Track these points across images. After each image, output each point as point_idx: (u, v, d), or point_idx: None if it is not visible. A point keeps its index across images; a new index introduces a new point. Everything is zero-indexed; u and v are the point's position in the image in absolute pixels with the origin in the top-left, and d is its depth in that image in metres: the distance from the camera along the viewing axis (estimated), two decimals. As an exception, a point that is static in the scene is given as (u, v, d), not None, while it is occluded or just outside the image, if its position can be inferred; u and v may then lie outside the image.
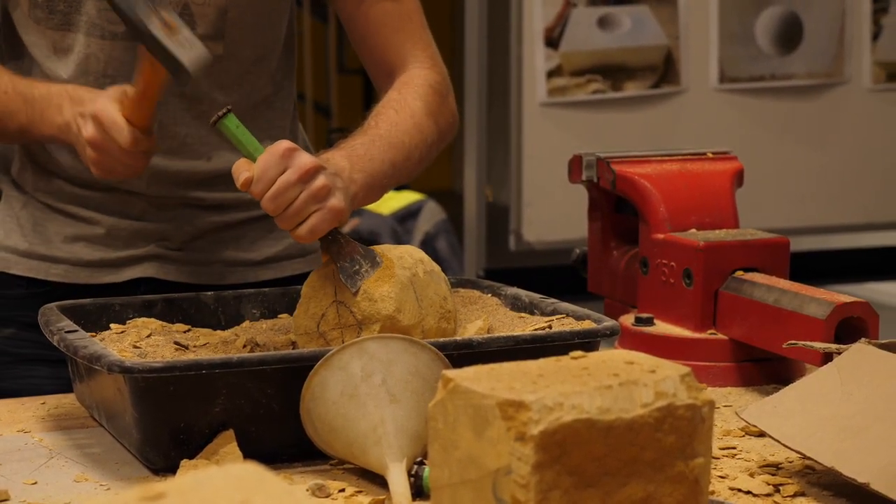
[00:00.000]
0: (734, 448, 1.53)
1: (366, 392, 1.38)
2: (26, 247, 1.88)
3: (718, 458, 1.49)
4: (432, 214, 4.25)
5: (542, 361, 1.17)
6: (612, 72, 3.82)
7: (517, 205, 3.76)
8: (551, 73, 3.75)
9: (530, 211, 3.73)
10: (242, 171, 1.54)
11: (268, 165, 1.53)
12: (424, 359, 1.40)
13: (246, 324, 1.75)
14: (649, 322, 1.86)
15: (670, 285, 1.86)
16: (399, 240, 4.19)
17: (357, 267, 1.57)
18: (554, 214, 3.73)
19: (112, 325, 1.67)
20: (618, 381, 1.12)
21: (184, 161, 1.84)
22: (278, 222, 1.56)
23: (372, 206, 4.35)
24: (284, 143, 1.55)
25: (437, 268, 1.64)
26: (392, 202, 4.36)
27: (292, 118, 1.96)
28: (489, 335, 1.54)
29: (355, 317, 1.57)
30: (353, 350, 1.39)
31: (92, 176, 1.71)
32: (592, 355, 1.18)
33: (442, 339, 1.51)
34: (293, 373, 1.42)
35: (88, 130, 1.63)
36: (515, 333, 1.56)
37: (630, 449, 1.10)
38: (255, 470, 0.85)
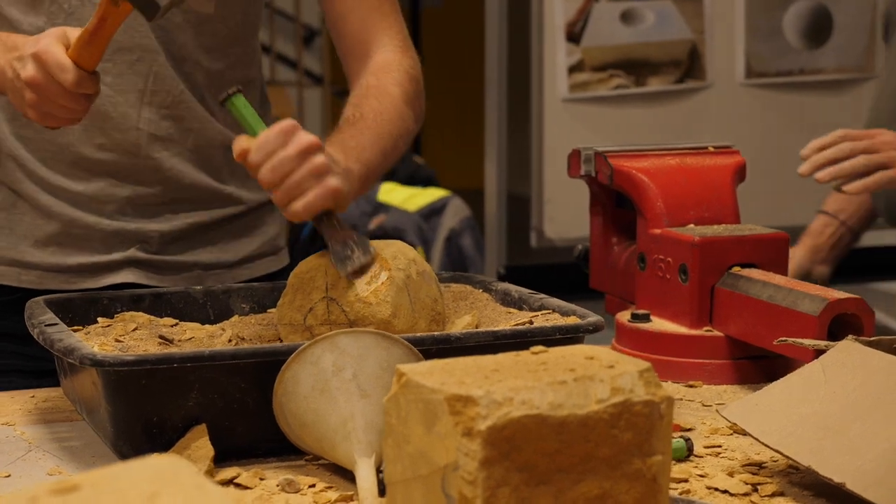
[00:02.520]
0: (719, 447, 1.50)
1: (336, 387, 1.37)
2: None
3: (702, 457, 1.47)
4: (457, 211, 4.23)
5: (500, 356, 1.15)
6: (635, 67, 3.78)
7: (538, 201, 3.73)
8: (573, 69, 3.72)
9: (551, 207, 3.70)
10: (241, 142, 1.53)
11: (268, 138, 1.52)
12: (397, 353, 1.39)
13: (235, 318, 1.74)
14: (645, 319, 1.84)
15: (666, 281, 1.83)
16: (424, 237, 4.18)
17: (349, 252, 1.56)
18: (575, 211, 3.69)
19: (99, 319, 1.66)
20: (573, 376, 1.09)
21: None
22: (275, 196, 1.54)
23: (397, 203, 4.34)
24: (288, 121, 1.55)
25: (428, 268, 1.62)
26: (417, 199, 4.35)
27: (261, 104, 1.96)
28: (468, 330, 1.52)
29: (347, 316, 1.55)
30: (324, 344, 1.38)
31: (61, 159, 1.71)
32: (553, 350, 1.16)
33: (420, 335, 1.50)
34: (267, 367, 1.40)
35: (28, 70, 1.58)
36: (495, 329, 1.54)
37: (584, 445, 1.08)
38: (174, 463, 0.83)
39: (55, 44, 1.58)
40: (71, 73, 1.57)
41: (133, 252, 1.84)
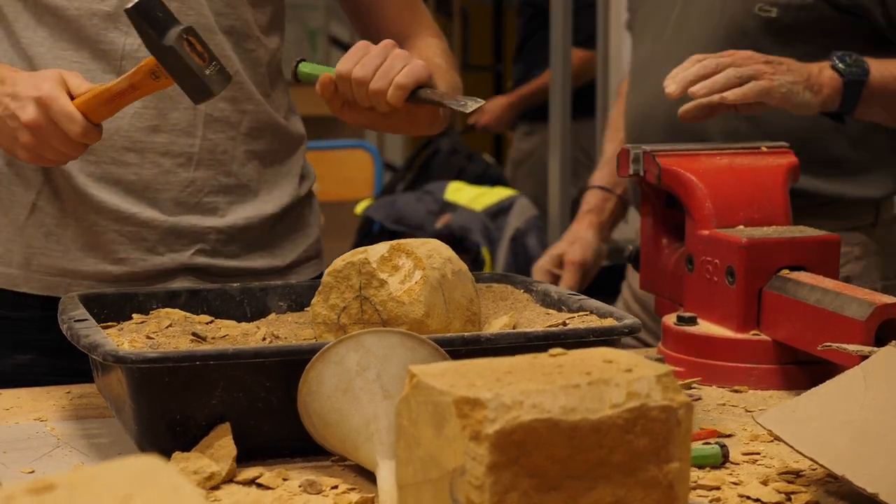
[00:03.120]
0: (758, 454, 1.46)
1: (360, 387, 1.34)
2: (40, 260, 1.79)
3: (738, 464, 1.43)
4: (523, 211, 4.19)
5: (517, 358, 1.12)
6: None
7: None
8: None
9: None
10: (324, 76, 1.65)
11: (348, 54, 1.64)
12: (422, 354, 1.36)
13: (272, 316, 1.72)
14: (692, 321, 1.80)
15: (714, 283, 1.79)
16: (490, 236, 4.14)
17: (462, 101, 1.68)
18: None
19: (134, 316, 1.65)
20: (588, 379, 1.06)
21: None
22: (372, 86, 1.63)
23: (464, 202, 4.31)
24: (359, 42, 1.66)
25: (464, 267, 1.59)
26: (484, 198, 4.32)
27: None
28: (498, 332, 1.49)
29: (380, 316, 1.53)
30: (349, 344, 1.36)
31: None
32: (572, 353, 1.13)
33: (449, 335, 1.47)
34: (292, 366, 1.38)
35: (29, 114, 1.58)
36: (527, 330, 1.50)
37: (597, 451, 1.05)
38: (153, 464, 0.81)
39: (59, 90, 1.57)
40: (79, 126, 1.57)
41: (190, 257, 1.81)
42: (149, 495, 0.77)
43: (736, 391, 1.72)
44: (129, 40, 1.73)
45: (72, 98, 1.59)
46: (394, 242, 1.58)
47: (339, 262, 1.57)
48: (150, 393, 1.37)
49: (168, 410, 1.38)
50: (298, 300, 1.74)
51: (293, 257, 1.92)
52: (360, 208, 4.71)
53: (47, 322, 1.71)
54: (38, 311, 1.80)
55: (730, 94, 1.89)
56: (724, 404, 1.65)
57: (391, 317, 1.52)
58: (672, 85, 1.90)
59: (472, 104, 1.68)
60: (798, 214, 1.87)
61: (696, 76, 1.90)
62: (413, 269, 1.55)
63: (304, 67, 1.71)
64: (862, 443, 1.29)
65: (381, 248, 1.57)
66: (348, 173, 4.75)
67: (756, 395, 1.70)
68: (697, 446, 1.44)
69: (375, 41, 1.82)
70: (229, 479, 1.35)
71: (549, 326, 1.54)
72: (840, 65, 1.99)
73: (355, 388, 1.34)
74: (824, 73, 1.98)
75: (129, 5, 1.55)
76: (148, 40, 1.56)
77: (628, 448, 1.06)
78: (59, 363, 1.76)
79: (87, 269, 1.79)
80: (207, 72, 1.57)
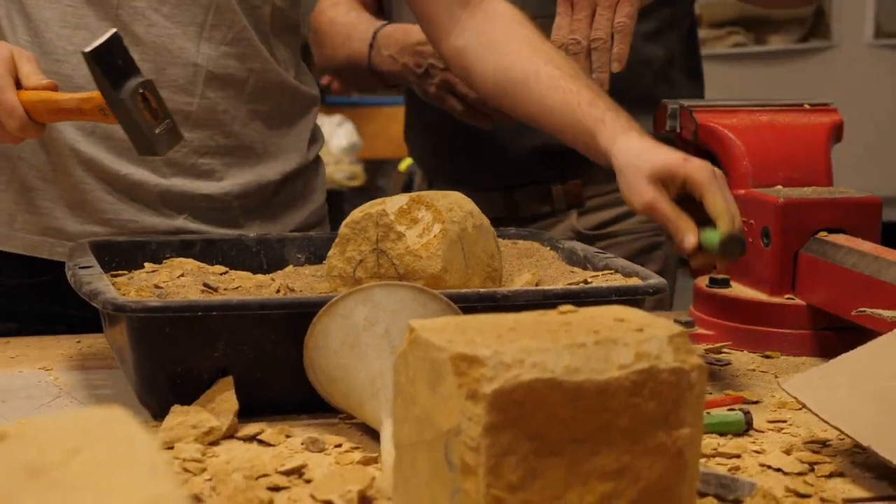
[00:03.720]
0: (784, 422, 1.40)
1: (367, 342, 1.29)
2: (24, 217, 1.71)
3: (763, 432, 1.36)
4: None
5: (523, 315, 1.06)
6: (756, 24, 3.62)
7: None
8: (689, 25, 3.58)
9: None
10: None
11: None
12: (434, 309, 1.31)
13: (289, 268, 1.67)
14: (725, 284, 1.73)
15: (749, 245, 1.72)
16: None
17: None
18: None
19: (146, 265, 1.60)
20: (595, 338, 1.00)
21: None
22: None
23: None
24: None
25: (486, 221, 1.54)
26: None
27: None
28: (516, 288, 1.43)
29: (397, 270, 1.47)
30: (357, 297, 1.30)
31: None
32: (583, 310, 1.07)
33: (464, 290, 1.41)
34: (298, 318, 1.33)
35: None
36: (545, 287, 1.44)
37: (603, 414, 0.99)
38: (111, 416, 0.76)
39: (7, 78, 1.48)
40: (17, 121, 1.48)
41: (181, 222, 1.73)
42: (98, 448, 0.72)
43: (767, 356, 1.65)
44: (137, 2, 1.66)
45: (20, 86, 1.50)
46: (413, 194, 1.52)
47: (356, 214, 1.51)
48: (150, 343, 1.32)
49: (169, 362, 1.33)
50: (317, 252, 1.69)
51: (293, 225, 1.84)
52: (403, 166, 4.65)
53: (30, 291, 1.68)
54: (18, 280, 1.73)
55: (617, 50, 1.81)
56: (753, 370, 1.59)
57: (408, 271, 1.47)
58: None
59: None
60: None
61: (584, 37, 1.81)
62: (432, 221, 1.49)
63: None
64: (891, 413, 1.22)
65: (400, 200, 1.51)
66: (392, 131, 4.68)
67: (788, 362, 1.64)
68: (721, 412, 1.38)
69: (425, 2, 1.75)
70: (230, 435, 1.31)
71: (570, 284, 1.48)
72: None
73: (362, 344, 1.29)
74: None
75: (88, 49, 1.45)
76: (101, 86, 1.46)
77: (635, 412, 1.00)
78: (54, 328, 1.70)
79: (73, 230, 1.70)
80: (157, 130, 1.47)
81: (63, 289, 1.50)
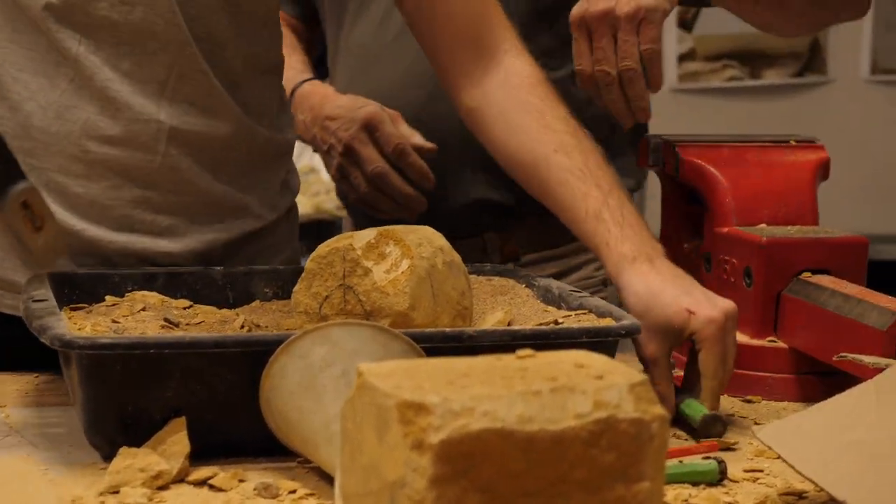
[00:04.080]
0: (761, 471, 1.34)
1: (323, 384, 1.24)
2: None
3: (738, 482, 1.31)
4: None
5: (479, 359, 1.01)
6: (751, 58, 3.58)
7: (641, 196, 3.55)
8: (683, 58, 3.53)
9: (654, 203, 3.54)
10: None
11: None
12: (395, 350, 1.25)
13: (256, 303, 1.62)
14: (706, 324, 1.68)
15: (731, 285, 1.67)
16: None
17: None
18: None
19: (107, 298, 1.55)
20: (551, 385, 0.95)
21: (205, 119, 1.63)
22: None
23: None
24: None
25: (457, 258, 1.48)
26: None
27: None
28: (483, 328, 1.38)
29: (364, 307, 1.42)
30: (315, 336, 1.25)
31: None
32: (541, 355, 1.02)
33: (429, 330, 1.36)
34: (254, 357, 1.28)
35: None
36: (514, 328, 1.39)
37: (557, 466, 0.94)
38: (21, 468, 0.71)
39: None
40: None
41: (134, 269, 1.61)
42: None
43: (748, 401, 1.60)
44: (83, 41, 1.55)
45: None
46: (382, 228, 1.47)
47: (323, 248, 1.47)
48: (99, 381, 1.27)
49: (119, 401, 1.28)
50: (285, 286, 1.63)
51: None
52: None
53: None
54: None
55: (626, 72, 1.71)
56: (733, 415, 1.53)
57: (374, 308, 1.42)
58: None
59: None
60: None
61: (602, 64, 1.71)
62: (400, 257, 1.44)
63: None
64: (868, 466, 1.17)
65: (367, 234, 1.46)
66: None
67: (769, 406, 1.59)
68: (694, 460, 1.32)
69: (443, 39, 1.66)
70: (181, 479, 1.25)
71: (540, 325, 1.43)
72: None
73: (318, 385, 1.24)
74: None
75: None
76: None
77: (593, 464, 0.95)
78: None
79: (22, 280, 1.56)
80: (40, 242, 1.36)
81: (15, 336, 1.45)
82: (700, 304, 1.47)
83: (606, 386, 0.96)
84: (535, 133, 1.59)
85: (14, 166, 1.35)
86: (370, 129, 1.94)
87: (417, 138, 1.95)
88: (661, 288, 1.47)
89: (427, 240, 1.46)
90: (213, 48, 1.61)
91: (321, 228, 4.14)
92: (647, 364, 1.48)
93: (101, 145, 1.57)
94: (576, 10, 1.70)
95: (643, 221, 1.55)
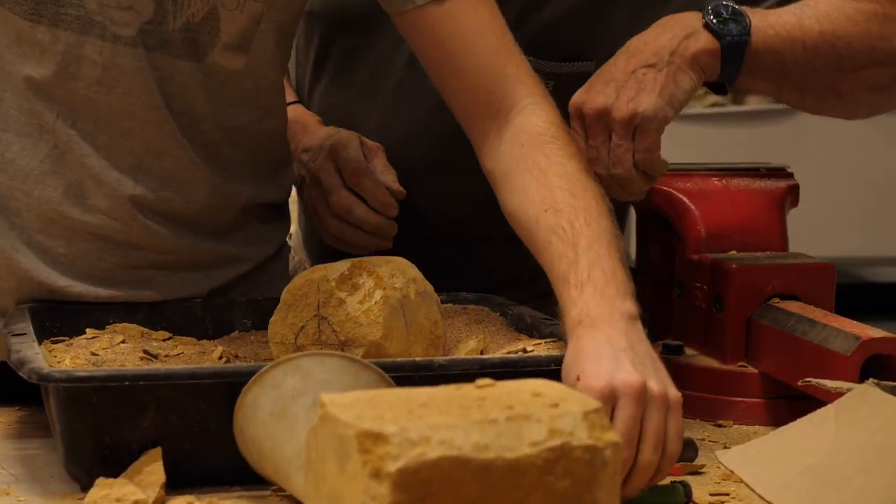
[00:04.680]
0: (727, 494, 1.37)
1: (295, 413, 1.27)
2: None
3: (702, 505, 1.34)
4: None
5: (439, 389, 1.04)
6: (733, 84, 3.62)
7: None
8: (665, 85, 3.57)
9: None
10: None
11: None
12: (365, 379, 1.28)
13: (235, 334, 1.65)
14: (678, 350, 1.71)
15: (702, 311, 1.70)
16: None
17: None
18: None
19: (88, 331, 1.58)
20: (507, 414, 0.98)
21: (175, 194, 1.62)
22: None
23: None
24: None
25: (429, 287, 1.52)
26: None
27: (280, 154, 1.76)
28: (452, 357, 1.41)
29: (338, 336, 1.46)
30: (287, 367, 1.28)
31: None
32: (501, 384, 1.05)
33: (399, 360, 1.39)
34: (228, 388, 1.31)
35: None
36: (483, 357, 1.43)
37: (513, 493, 0.97)
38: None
39: None
40: None
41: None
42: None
43: (719, 425, 1.63)
44: (61, 116, 1.55)
45: None
46: (355, 260, 1.50)
47: (298, 280, 1.50)
48: (76, 413, 1.30)
49: (96, 433, 1.31)
50: (264, 317, 1.64)
51: None
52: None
53: None
54: None
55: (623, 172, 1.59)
56: (702, 439, 1.56)
57: (349, 338, 1.45)
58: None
59: None
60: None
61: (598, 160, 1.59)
62: (374, 288, 1.47)
63: None
64: (824, 489, 1.20)
65: (341, 266, 1.49)
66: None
67: (740, 431, 1.61)
68: (660, 484, 1.35)
69: (458, 101, 1.56)
70: (156, 508, 1.28)
71: (509, 352, 1.46)
72: (715, 21, 1.58)
73: (290, 415, 1.27)
74: (700, 37, 1.58)
75: None
76: None
77: (548, 490, 0.98)
78: None
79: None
80: None
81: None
82: (599, 373, 1.27)
83: (561, 414, 0.99)
84: (533, 192, 1.49)
85: None
86: (335, 156, 1.81)
87: (389, 177, 1.80)
88: (578, 354, 1.31)
89: (400, 270, 1.49)
90: (191, 122, 1.60)
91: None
92: None
93: (82, 213, 1.58)
94: (575, 99, 1.60)
95: (619, 278, 1.39)
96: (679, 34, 1.58)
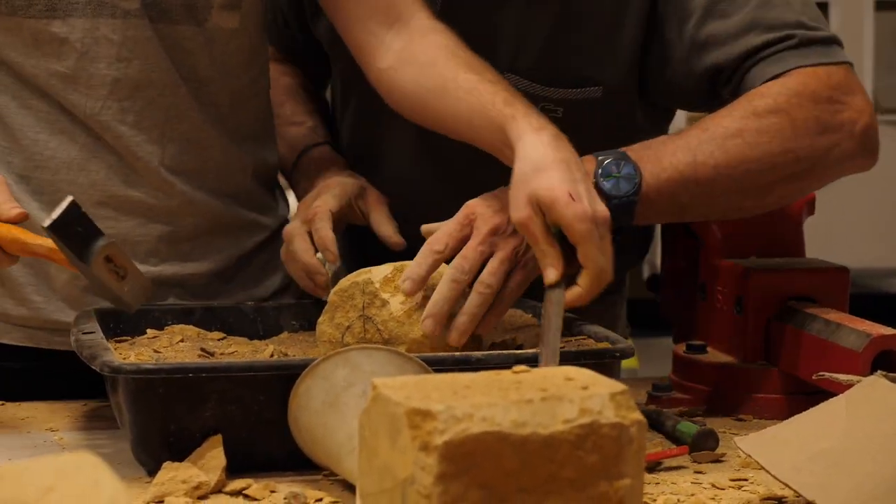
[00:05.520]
0: (745, 480, 1.47)
1: (345, 402, 1.37)
2: (21, 313, 1.74)
3: (723, 489, 1.44)
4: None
5: (479, 374, 1.15)
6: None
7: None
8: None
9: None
10: None
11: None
12: (409, 371, 1.39)
13: (284, 335, 1.76)
14: (701, 350, 1.81)
15: (724, 313, 1.81)
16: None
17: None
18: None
19: (148, 331, 1.69)
20: (542, 395, 1.09)
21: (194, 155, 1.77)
22: None
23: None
24: None
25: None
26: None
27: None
28: (489, 353, 1.52)
29: (382, 335, 1.57)
30: (337, 360, 1.39)
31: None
32: (535, 371, 1.16)
33: (440, 354, 1.50)
34: (284, 380, 1.42)
35: None
36: (517, 352, 1.53)
37: (547, 466, 1.08)
38: (83, 460, 0.85)
39: None
40: None
41: (173, 300, 1.77)
42: (68, 487, 0.81)
43: (740, 420, 1.73)
44: (90, 103, 1.69)
45: None
46: (397, 263, 1.61)
47: (344, 282, 1.61)
48: (144, 403, 1.41)
49: (162, 422, 1.42)
50: (311, 319, 1.76)
51: (272, 290, 1.88)
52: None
53: (30, 374, 1.75)
54: (19, 364, 1.77)
55: (490, 324, 1.59)
56: (724, 431, 1.66)
57: (392, 336, 1.56)
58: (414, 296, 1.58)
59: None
60: None
61: (450, 303, 1.56)
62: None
63: None
64: (835, 471, 1.30)
65: (384, 269, 1.60)
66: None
67: (760, 425, 1.70)
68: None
69: (351, 13, 1.72)
70: (218, 490, 1.39)
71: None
72: (605, 183, 1.62)
73: (341, 404, 1.38)
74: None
75: (46, 223, 1.45)
76: (67, 257, 1.50)
77: (579, 463, 1.08)
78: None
79: (68, 319, 1.69)
80: (126, 288, 1.52)
81: (65, 369, 1.63)
82: (581, 197, 1.48)
83: (590, 395, 1.10)
84: (443, 61, 1.65)
85: (92, 225, 1.49)
86: (318, 193, 1.81)
87: (386, 229, 1.79)
88: (554, 161, 1.49)
89: (439, 273, 1.60)
90: (199, 86, 1.75)
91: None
92: (519, 229, 1.50)
93: (125, 189, 1.73)
94: (468, 204, 1.62)
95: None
96: None
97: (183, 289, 1.79)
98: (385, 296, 1.58)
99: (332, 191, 1.79)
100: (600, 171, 1.62)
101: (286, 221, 1.90)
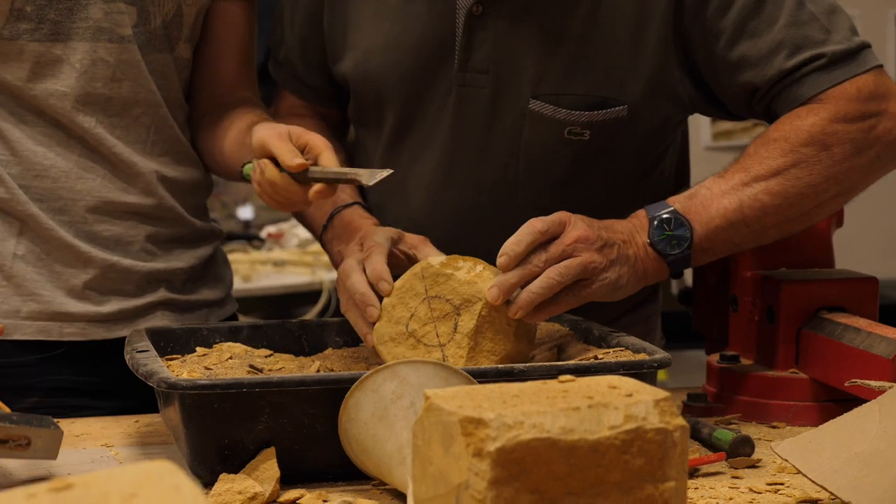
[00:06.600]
0: (782, 484, 1.52)
1: (394, 414, 1.43)
2: (31, 308, 1.85)
3: (760, 493, 1.49)
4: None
5: (527, 384, 1.20)
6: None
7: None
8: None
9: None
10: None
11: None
12: (456, 383, 1.44)
13: (328, 351, 1.81)
14: (735, 360, 1.86)
15: (755, 323, 1.85)
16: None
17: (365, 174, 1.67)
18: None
19: (198, 349, 1.75)
20: (588, 403, 1.14)
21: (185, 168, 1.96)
22: None
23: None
24: None
25: None
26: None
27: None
28: (530, 364, 1.57)
29: (452, 303, 1.62)
30: (385, 373, 1.44)
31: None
32: (580, 380, 1.21)
33: (483, 367, 1.55)
34: (333, 394, 1.47)
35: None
36: (559, 363, 1.58)
37: (595, 470, 1.12)
38: (162, 468, 0.90)
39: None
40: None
41: (163, 293, 1.91)
42: (151, 493, 0.86)
43: (774, 427, 1.77)
44: (86, 119, 1.84)
45: None
46: (449, 256, 1.67)
47: (398, 282, 1.65)
48: (200, 418, 1.47)
49: (218, 435, 1.47)
50: (354, 335, 1.82)
51: (225, 291, 2.04)
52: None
53: (45, 366, 1.85)
54: (34, 356, 1.86)
55: (533, 320, 1.67)
56: (759, 438, 1.70)
57: (464, 300, 1.61)
58: (494, 289, 1.63)
59: (378, 175, 1.63)
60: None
61: (520, 280, 1.63)
62: (474, 265, 1.65)
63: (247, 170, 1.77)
64: (869, 472, 1.34)
65: (438, 258, 1.66)
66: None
67: (793, 432, 1.75)
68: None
69: (198, 82, 1.99)
70: (272, 500, 1.44)
71: (582, 360, 1.61)
72: (659, 241, 1.73)
73: (390, 416, 1.43)
74: (648, 256, 1.74)
75: None
76: None
77: (625, 467, 1.13)
78: (67, 401, 1.86)
79: (77, 311, 1.86)
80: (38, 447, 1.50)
81: (72, 359, 1.80)
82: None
83: (635, 402, 1.15)
84: (243, 111, 1.94)
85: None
86: (361, 241, 1.79)
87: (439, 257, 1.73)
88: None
89: (488, 268, 1.66)
90: (172, 106, 1.93)
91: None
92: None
93: (119, 194, 1.88)
94: (564, 212, 1.70)
95: None
96: (635, 248, 1.73)
97: (170, 283, 1.94)
98: (448, 271, 1.63)
99: (376, 235, 1.78)
100: (653, 227, 1.73)
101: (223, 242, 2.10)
